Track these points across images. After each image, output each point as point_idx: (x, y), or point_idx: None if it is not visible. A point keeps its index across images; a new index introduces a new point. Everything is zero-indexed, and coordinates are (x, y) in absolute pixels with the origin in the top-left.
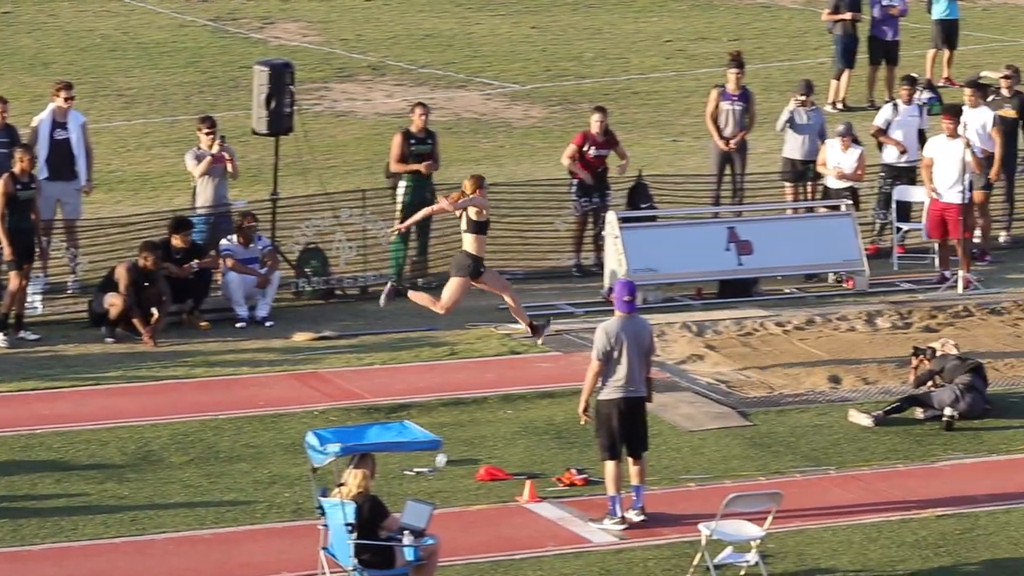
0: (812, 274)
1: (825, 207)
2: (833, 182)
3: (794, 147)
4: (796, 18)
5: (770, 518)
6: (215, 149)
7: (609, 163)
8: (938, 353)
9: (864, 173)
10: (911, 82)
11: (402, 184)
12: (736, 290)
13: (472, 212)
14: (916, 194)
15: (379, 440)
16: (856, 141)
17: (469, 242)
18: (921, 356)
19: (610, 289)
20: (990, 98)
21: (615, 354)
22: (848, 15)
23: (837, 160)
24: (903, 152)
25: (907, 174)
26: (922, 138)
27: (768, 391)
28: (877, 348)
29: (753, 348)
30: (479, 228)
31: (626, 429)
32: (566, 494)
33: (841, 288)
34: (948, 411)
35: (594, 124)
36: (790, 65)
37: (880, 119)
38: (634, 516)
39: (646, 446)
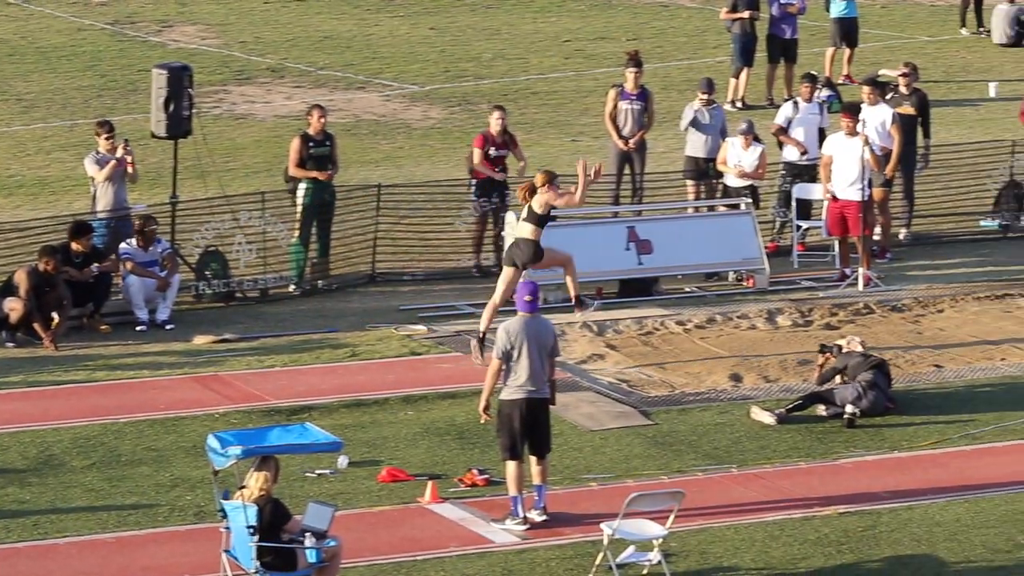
0: (712, 273)
1: (725, 206)
2: (733, 180)
3: (697, 145)
4: (695, 17)
5: (672, 517)
6: (119, 153)
7: (509, 164)
8: (844, 350)
9: (765, 171)
10: (811, 79)
11: (302, 187)
12: (636, 289)
13: (537, 205)
14: (816, 192)
15: (280, 442)
16: (757, 139)
17: (528, 231)
18: (827, 353)
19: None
20: (889, 95)
21: (515, 354)
22: (746, 13)
23: (738, 158)
24: (803, 151)
25: (808, 172)
26: (822, 136)
27: (669, 390)
28: (778, 346)
29: (654, 347)
30: (540, 221)
31: (528, 429)
32: (468, 495)
33: (742, 286)
34: (850, 408)
35: (494, 123)
36: (689, 64)
37: (781, 117)
38: (536, 516)
39: (549, 447)
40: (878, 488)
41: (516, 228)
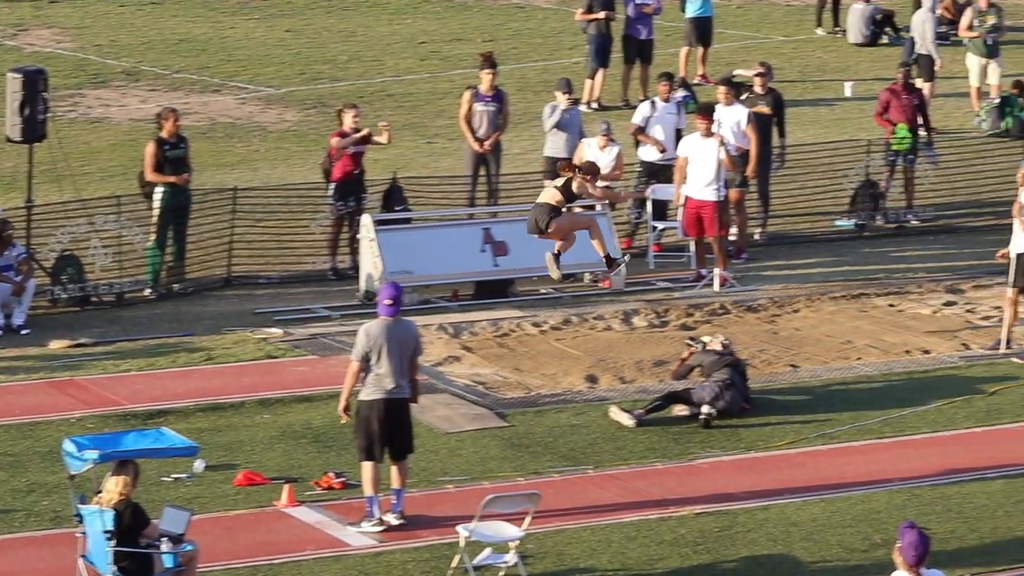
0: (568, 274)
1: (581, 207)
2: None
3: (557, 146)
4: (551, 18)
5: (528, 518)
6: None
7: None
8: (706, 347)
9: (622, 172)
10: (668, 78)
11: (158, 190)
12: (492, 291)
13: (575, 185)
14: (672, 192)
15: (136, 447)
16: (612, 140)
17: (549, 196)
18: (691, 348)
19: (367, 292)
20: (744, 96)
21: (375, 356)
22: (602, 14)
23: (595, 159)
24: (662, 150)
25: (665, 172)
26: (679, 136)
27: (525, 391)
28: (634, 347)
29: (510, 349)
30: (567, 192)
31: (387, 431)
32: (324, 498)
33: (597, 287)
34: (706, 408)
35: (349, 121)
36: (544, 65)
37: (638, 117)
38: (393, 519)
39: (410, 449)
40: (734, 488)
41: (542, 193)
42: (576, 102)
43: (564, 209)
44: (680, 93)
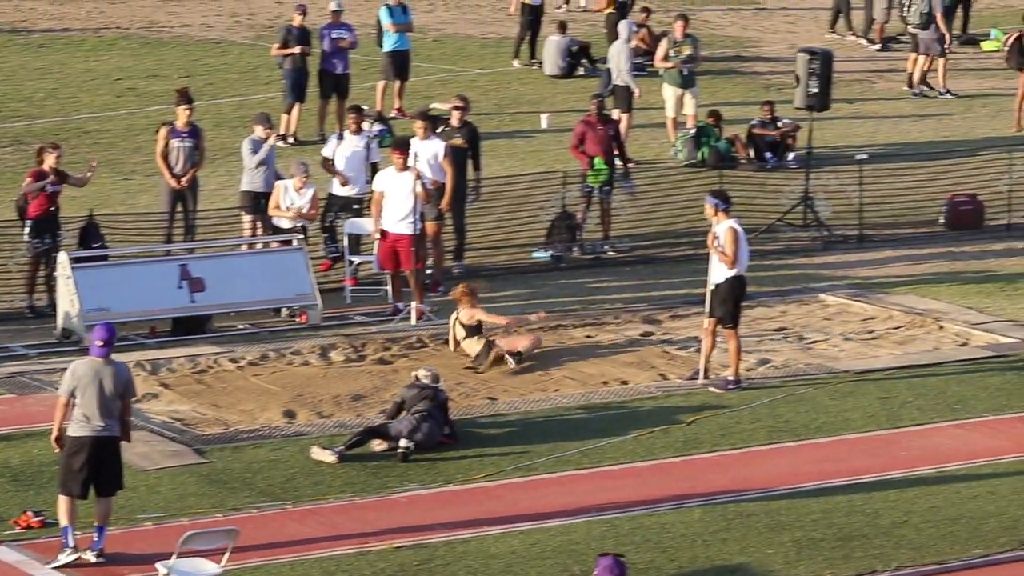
0: (266, 309)
1: (277, 242)
2: (285, 223)
3: (255, 181)
4: (247, 53)
5: (227, 554)
6: None
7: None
8: (422, 382)
9: (317, 212)
10: (357, 111)
11: None
12: (190, 327)
13: (464, 316)
14: (368, 226)
15: None
16: (309, 181)
17: (471, 347)
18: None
19: (64, 330)
20: (440, 129)
21: (80, 394)
22: (297, 49)
23: (291, 200)
24: (344, 183)
25: (353, 205)
26: (375, 170)
27: (223, 428)
28: (332, 382)
29: (208, 385)
30: (473, 331)
31: (93, 469)
32: (23, 537)
33: (295, 322)
34: (404, 442)
35: (50, 160)
36: (241, 100)
37: (327, 149)
38: (91, 557)
39: (119, 485)
40: (433, 521)
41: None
42: (283, 137)
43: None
44: (376, 127)
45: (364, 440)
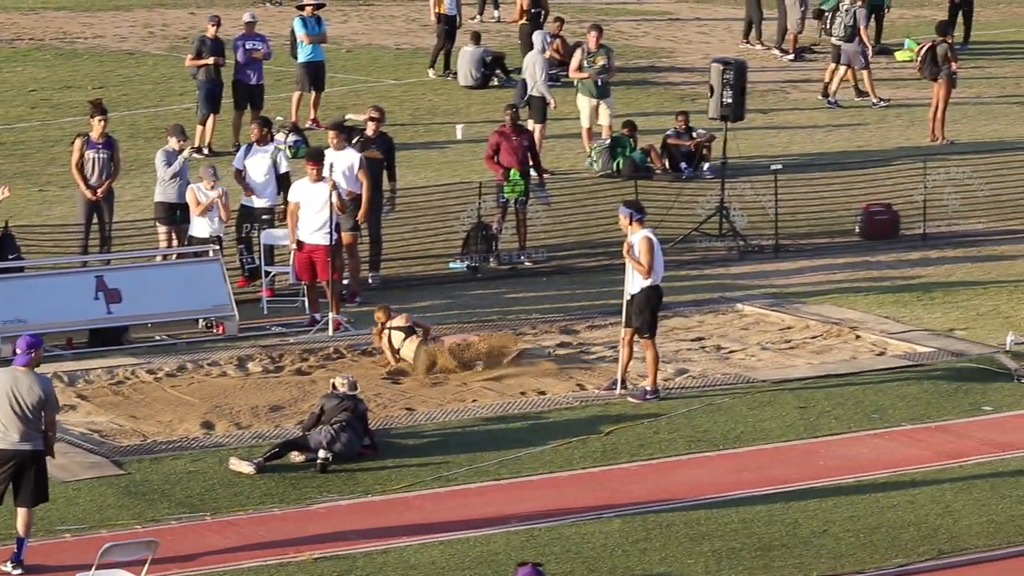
0: (183, 320)
1: (193, 252)
2: (200, 229)
3: (170, 191)
4: (160, 64)
5: (147, 566)
6: None
7: None
8: (340, 391)
9: (230, 212)
10: (264, 123)
11: None
12: (106, 339)
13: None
14: (284, 237)
15: None
16: (217, 183)
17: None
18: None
19: None
20: (355, 139)
21: None
22: (211, 60)
23: (205, 201)
24: (249, 194)
25: (264, 215)
26: (288, 181)
27: (141, 439)
28: (249, 393)
29: (125, 396)
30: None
31: (13, 481)
32: None
33: (212, 333)
34: (322, 453)
35: None
36: (155, 112)
37: (237, 160)
38: (11, 569)
39: (43, 497)
40: (352, 532)
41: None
42: (200, 149)
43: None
44: (291, 138)
45: (282, 452)
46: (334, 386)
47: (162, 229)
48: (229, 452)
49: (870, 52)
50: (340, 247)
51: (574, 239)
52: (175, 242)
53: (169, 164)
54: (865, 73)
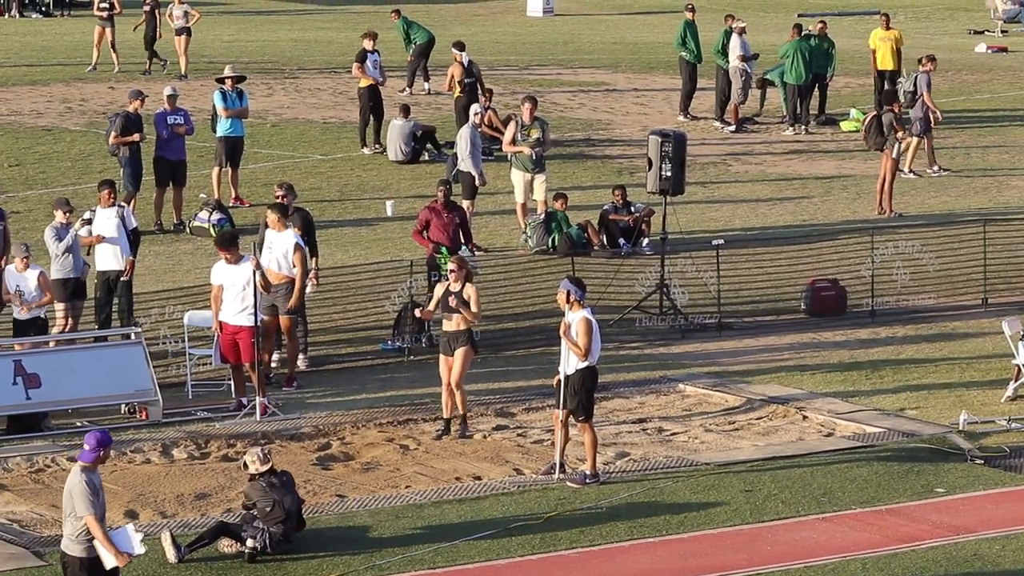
0: (105, 405)
1: (117, 335)
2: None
3: (66, 266)
4: (79, 140)
5: None
6: None
7: None
8: (252, 469)
9: (52, 296)
10: (110, 186)
11: None
12: (25, 426)
13: None
14: (207, 319)
15: None
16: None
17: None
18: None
19: None
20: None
21: None
22: (135, 136)
23: (15, 284)
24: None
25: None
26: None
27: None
28: (174, 480)
29: (46, 485)
30: None
31: None
32: None
33: (135, 419)
34: (251, 543)
35: None
36: (75, 189)
37: (84, 229)
38: None
39: None
40: None
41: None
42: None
43: None
44: (215, 216)
45: (211, 540)
46: (245, 465)
47: (59, 306)
48: (153, 541)
49: (935, 118)
50: (271, 329)
51: (510, 317)
52: (69, 320)
53: (60, 239)
54: (926, 140)
